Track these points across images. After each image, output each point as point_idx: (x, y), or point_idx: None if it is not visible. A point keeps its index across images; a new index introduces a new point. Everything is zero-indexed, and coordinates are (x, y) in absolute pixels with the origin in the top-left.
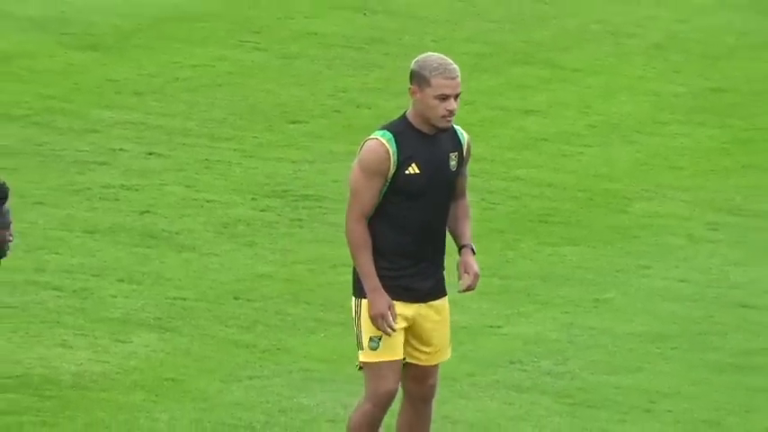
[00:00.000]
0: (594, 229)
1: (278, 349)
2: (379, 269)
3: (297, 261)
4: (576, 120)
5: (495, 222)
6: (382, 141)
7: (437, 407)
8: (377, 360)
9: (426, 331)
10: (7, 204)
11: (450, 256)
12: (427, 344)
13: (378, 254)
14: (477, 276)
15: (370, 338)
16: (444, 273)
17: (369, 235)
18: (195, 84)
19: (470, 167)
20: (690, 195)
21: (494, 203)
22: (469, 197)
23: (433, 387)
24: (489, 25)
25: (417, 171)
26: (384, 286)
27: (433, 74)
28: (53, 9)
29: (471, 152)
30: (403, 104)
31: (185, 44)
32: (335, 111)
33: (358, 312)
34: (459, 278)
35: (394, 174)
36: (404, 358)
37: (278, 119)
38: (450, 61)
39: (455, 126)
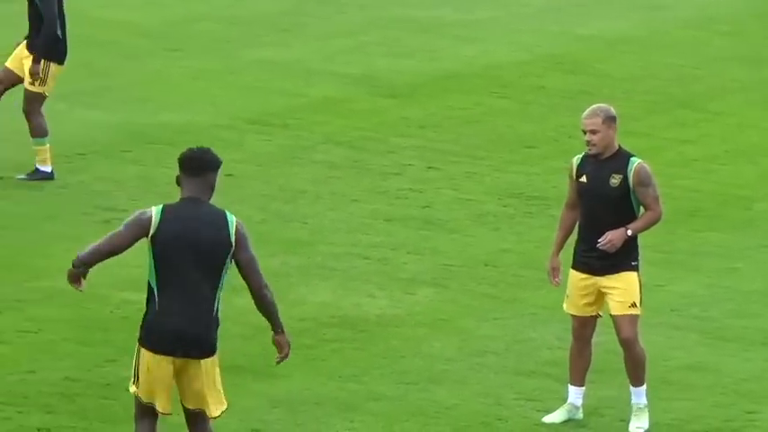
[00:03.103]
0: (728, 220)
1: (514, 299)
2: (576, 246)
3: (528, 240)
4: (717, 147)
5: None
6: (574, 159)
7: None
8: (564, 309)
9: (607, 294)
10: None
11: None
12: (610, 301)
13: (577, 236)
14: (605, 238)
15: (567, 294)
16: (626, 258)
17: (566, 219)
18: (461, 120)
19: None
20: None
21: None
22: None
23: (625, 339)
24: (660, 81)
25: (585, 181)
26: (574, 258)
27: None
28: (364, 69)
29: (643, 177)
30: None
31: (454, 94)
32: (555, 140)
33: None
34: None
35: (575, 180)
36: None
37: (516, 145)
38: (597, 108)
39: (632, 158)
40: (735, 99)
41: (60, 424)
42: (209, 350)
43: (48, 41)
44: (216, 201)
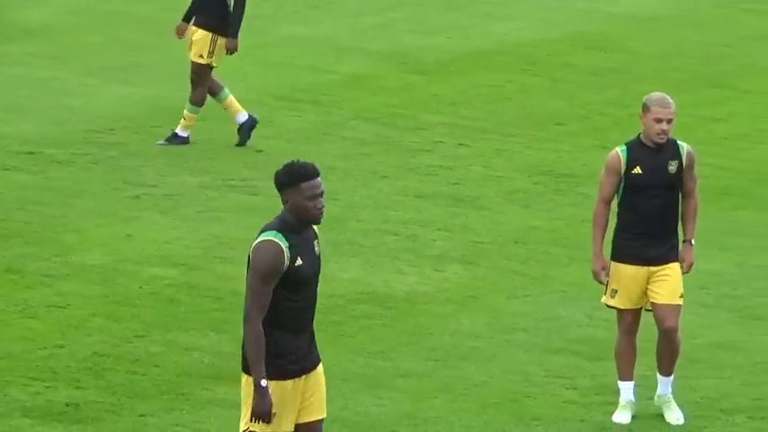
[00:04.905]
0: (758, 198)
1: (543, 277)
2: (622, 239)
3: (557, 218)
4: (746, 125)
5: None
6: (618, 151)
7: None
8: (613, 305)
9: (654, 282)
10: (319, 179)
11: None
12: (657, 288)
13: (619, 229)
14: (688, 265)
15: (613, 289)
16: (675, 247)
17: (604, 216)
18: (492, 98)
19: None
20: None
21: None
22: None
23: (670, 328)
24: (690, 60)
25: (640, 172)
26: (623, 251)
27: (653, 104)
28: (395, 45)
29: (694, 159)
30: (632, 112)
31: (485, 71)
32: (585, 117)
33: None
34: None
35: (624, 173)
36: (641, 306)
37: (546, 122)
38: (668, 97)
39: (678, 141)
40: (764, 77)
41: (88, 399)
42: (243, 364)
43: (223, 18)
44: (247, 176)
